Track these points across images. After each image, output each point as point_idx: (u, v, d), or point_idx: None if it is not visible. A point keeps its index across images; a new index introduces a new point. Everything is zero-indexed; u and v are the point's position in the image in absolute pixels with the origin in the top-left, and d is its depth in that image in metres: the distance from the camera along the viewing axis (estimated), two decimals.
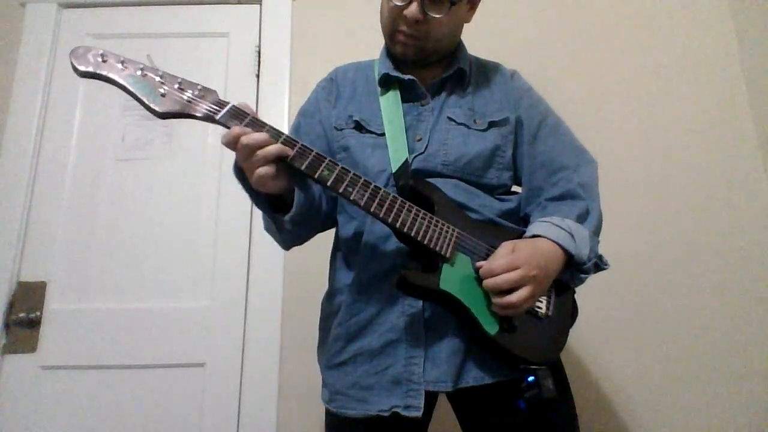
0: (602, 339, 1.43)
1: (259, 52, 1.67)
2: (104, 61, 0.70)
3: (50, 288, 1.47)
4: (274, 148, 0.71)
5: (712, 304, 1.45)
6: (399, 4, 0.85)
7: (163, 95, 0.70)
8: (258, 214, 1.54)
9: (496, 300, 0.75)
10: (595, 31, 1.68)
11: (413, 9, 0.83)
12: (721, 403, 1.38)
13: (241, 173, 0.77)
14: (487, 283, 0.75)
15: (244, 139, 0.71)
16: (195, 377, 1.43)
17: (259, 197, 0.81)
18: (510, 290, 0.74)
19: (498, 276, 0.74)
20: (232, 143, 0.72)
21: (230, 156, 1.71)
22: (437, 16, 0.84)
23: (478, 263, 0.77)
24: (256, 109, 1.55)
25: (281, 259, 1.50)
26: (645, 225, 1.51)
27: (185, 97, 0.72)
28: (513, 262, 0.74)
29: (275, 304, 1.47)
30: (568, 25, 1.68)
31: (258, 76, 1.65)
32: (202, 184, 1.57)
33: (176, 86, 0.72)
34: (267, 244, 1.51)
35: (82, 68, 0.69)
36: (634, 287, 1.46)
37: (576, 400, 0.87)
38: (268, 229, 0.91)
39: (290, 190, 0.79)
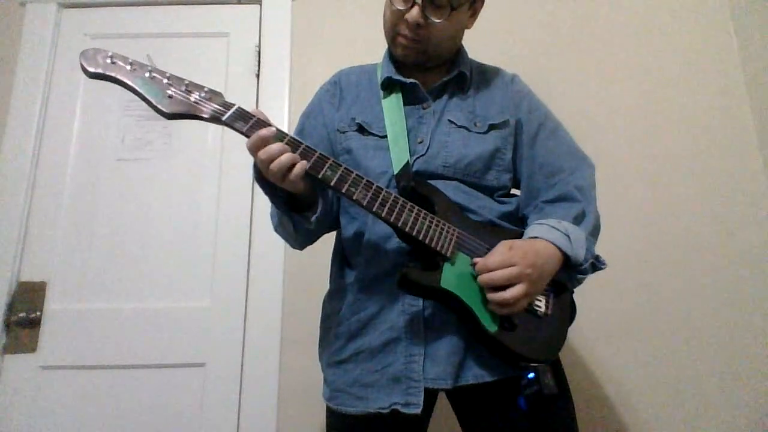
0: (602, 338, 1.43)
1: (259, 52, 1.67)
2: (113, 63, 0.71)
3: (50, 288, 1.47)
4: (287, 158, 0.72)
5: (711, 304, 1.46)
6: (401, 8, 0.86)
7: (170, 97, 0.72)
8: (258, 214, 1.56)
9: (491, 296, 0.76)
10: (595, 32, 1.68)
11: (414, 13, 0.85)
12: (721, 402, 1.39)
13: (262, 177, 0.77)
14: (482, 278, 0.76)
15: (261, 154, 0.72)
16: (195, 377, 1.43)
17: (278, 199, 0.82)
18: (505, 287, 0.75)
19: (493, 272, 0.75)
20: (253, 150, 0.73)
21: (230, 157, 1.69)
22: (438, 20, 0.85)
23: (475, 259, 0.79)
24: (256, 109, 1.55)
25: (281, 259, 1.50)
26: (645, 225, 1.52)
27: (192, 99, 0.73)
28: (509, 259, 0.76)
29: (275, 304, 1.47)
30: (568, 28, 1.69)
31: (258, 76, 1.65)
32: (202, 184, 1.57)
33: (183, 88, 0.73)
34: (267, 244, 1.53)
35: (91, 69, 0.70)
36: (634, 287, 1.47)
37: (575, 399, 0.87)
38: (279, 228, 0.92)
39: (308, 189, 0.80)
